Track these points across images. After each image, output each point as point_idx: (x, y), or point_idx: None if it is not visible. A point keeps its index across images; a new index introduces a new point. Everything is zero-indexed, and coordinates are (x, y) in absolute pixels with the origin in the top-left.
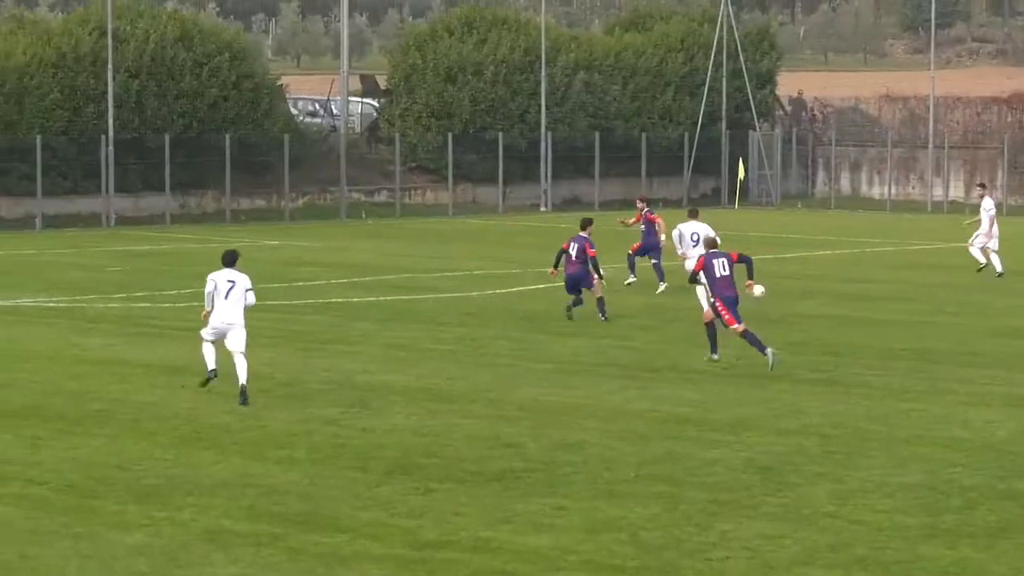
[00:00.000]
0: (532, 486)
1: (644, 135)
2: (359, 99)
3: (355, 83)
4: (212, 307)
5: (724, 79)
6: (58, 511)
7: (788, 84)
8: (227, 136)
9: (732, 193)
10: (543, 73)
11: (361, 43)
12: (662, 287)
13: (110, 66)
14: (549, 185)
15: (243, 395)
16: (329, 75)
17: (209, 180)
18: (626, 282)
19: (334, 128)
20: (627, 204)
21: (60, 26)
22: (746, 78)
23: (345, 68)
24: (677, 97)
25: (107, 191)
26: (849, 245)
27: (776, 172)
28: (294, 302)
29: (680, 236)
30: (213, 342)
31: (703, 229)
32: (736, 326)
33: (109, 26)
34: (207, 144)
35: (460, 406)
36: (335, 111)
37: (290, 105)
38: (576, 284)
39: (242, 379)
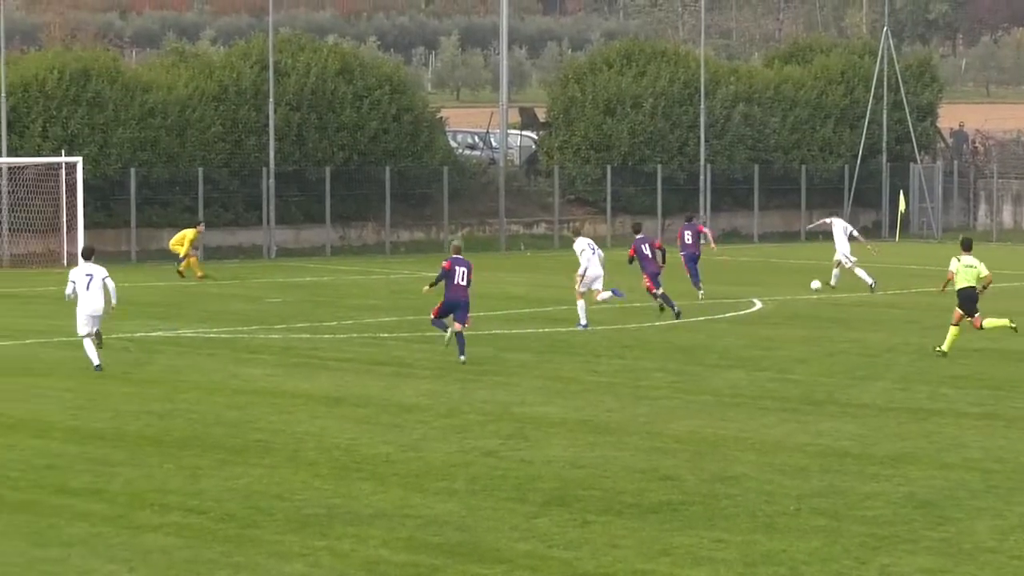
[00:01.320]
0: (690, 519)
1: (804, 167)
2: (518, 132)
3: (514, 116)
4: (77, 301)
5: (885, 111)
6: (218, 540)
7: (949, 116)
8: (387, 168)
9: (893, 226)
10: (702, 105)
11: (520, 76)
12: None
13: (271, 99)
14: (708, 217)
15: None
16: (488, 108)
17: (369, 212)
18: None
19: (493, 160)
20: (787, 236)
21: (222, 60)
22: (907, 110)
23: (504, 101)
24: (837, 129)
25: (268, 223)
26: (1011, 279)
27: (937, 205)
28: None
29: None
30: (90, 335)
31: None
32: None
33: (271, 59)
34: (367, 176)
35: (618, 438)
36: (494, 143)
37: (449, 138)
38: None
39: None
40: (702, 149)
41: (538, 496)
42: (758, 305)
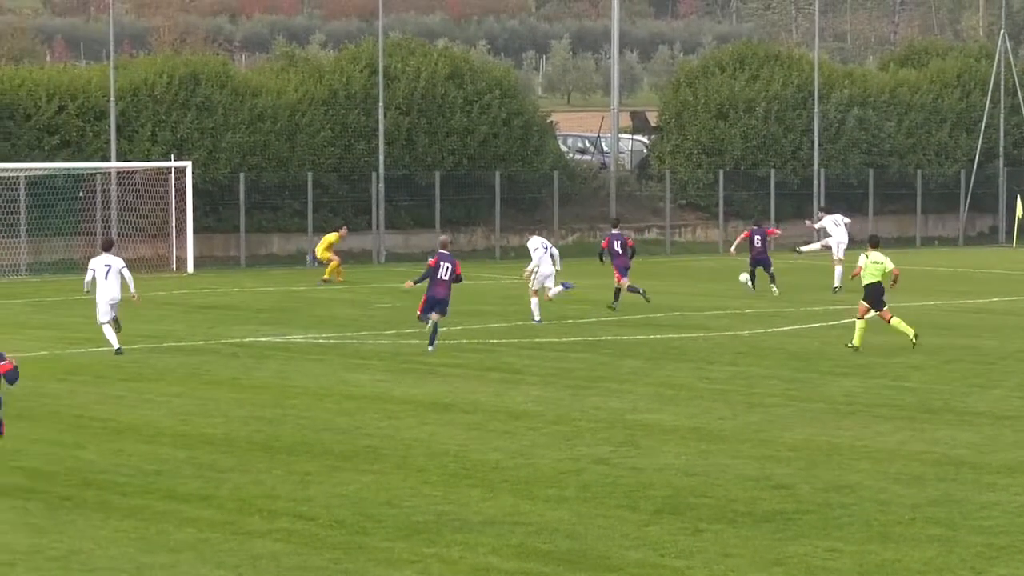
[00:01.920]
0: (804, 528)
1: (919, 172)
2: (629, 136)
3: (625, 120)
4: (93, 290)
5: (1002, 115)
6: (327, 547)
7: None
8: (496, 173)
9: (1010, 231)
10: (816, 109)
11: (631, 80)
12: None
13: (381, 103)
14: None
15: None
16: (599, 112)
17: (479, 217)
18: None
19: (604, 165)
20: (901, 242)
21: (332, 64)
22: None
23: (615, 105)
24: (953, 134)
25: (378, 228)
26: None
27: None
28: (563, 340)
29: None
30: (109, 322)
31: None
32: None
33: (380, 64)
34: (477, 181)
35: (730, 446)
36: (605, 148)
37: (560, 142)
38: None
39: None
40: (816, 153)
41: (649, 504)
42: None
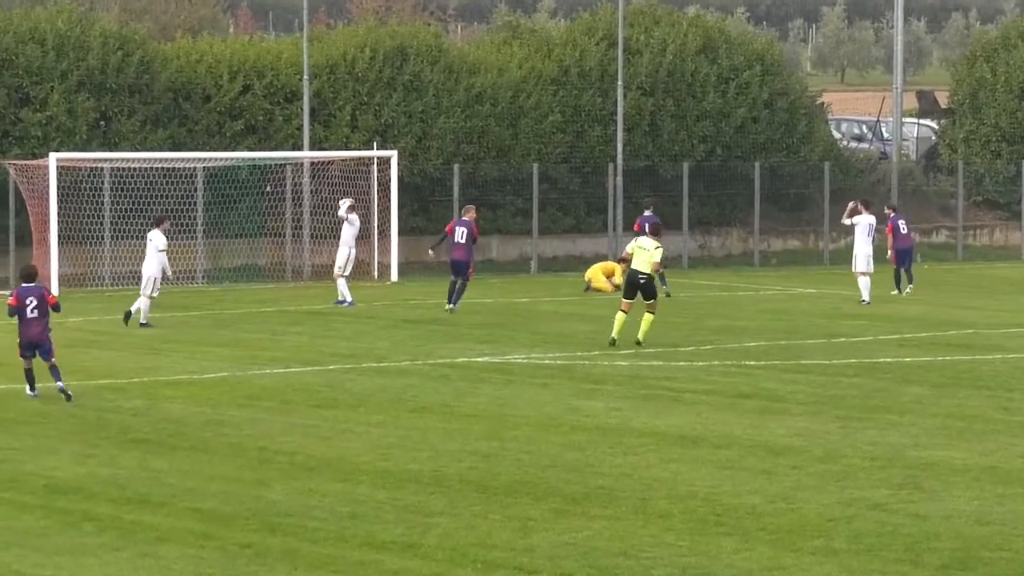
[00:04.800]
0: None
1: None
2: (915, 120)
3: (910, 101)
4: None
5: None
6: None
7: None
8: (756, 164)
9: None
10: None
11: (918, 53)
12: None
13: (620, 82)
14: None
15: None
16: (879, 91)
17: (735, 216)
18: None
19: (884, 155)
20: None
21: (562, 36)
22: None
23: (899, 83)
24: None
25: (614, 228)
26: None
27: None
28: (833, 361)
29: None
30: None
31: None
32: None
33: (620, 36)
34: (733, 174)
35: None
36: (886, 134)
37: (832, 127)
38: None
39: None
40: None
41: (935, 558)
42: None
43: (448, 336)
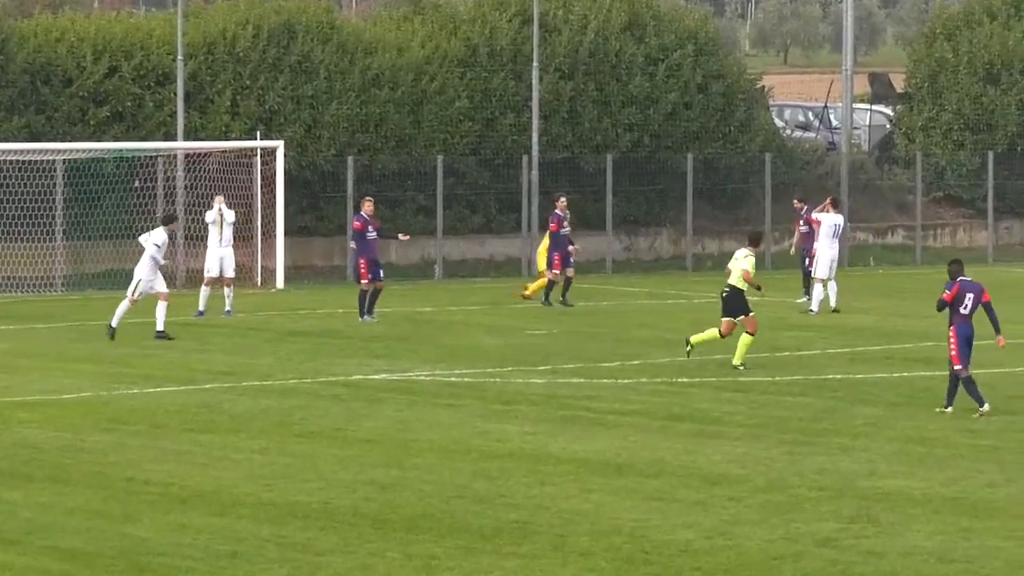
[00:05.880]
0: None
1: None
2: (867, 106)
3: (862, 84)
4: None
5: None
6: None
7: None
8: (689, 156)
9: None
10: None
11: (871, 31)
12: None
13: (535, 63)
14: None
15: None
16: (827, 74)
17: (664, 215)
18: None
19: (832, 145)
20: None
21: (470, 11)
22: None
23: (848, 64)
24: None
25: (528, 228)
26: None
27: None
28: (777, 379)
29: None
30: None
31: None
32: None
33: (535, 11)
34: (662, 167)
35: (1002, 523)
36: (834, 122)
37: (774, 115)
38: None
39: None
40: None
41: None
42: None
43: (341, 351)
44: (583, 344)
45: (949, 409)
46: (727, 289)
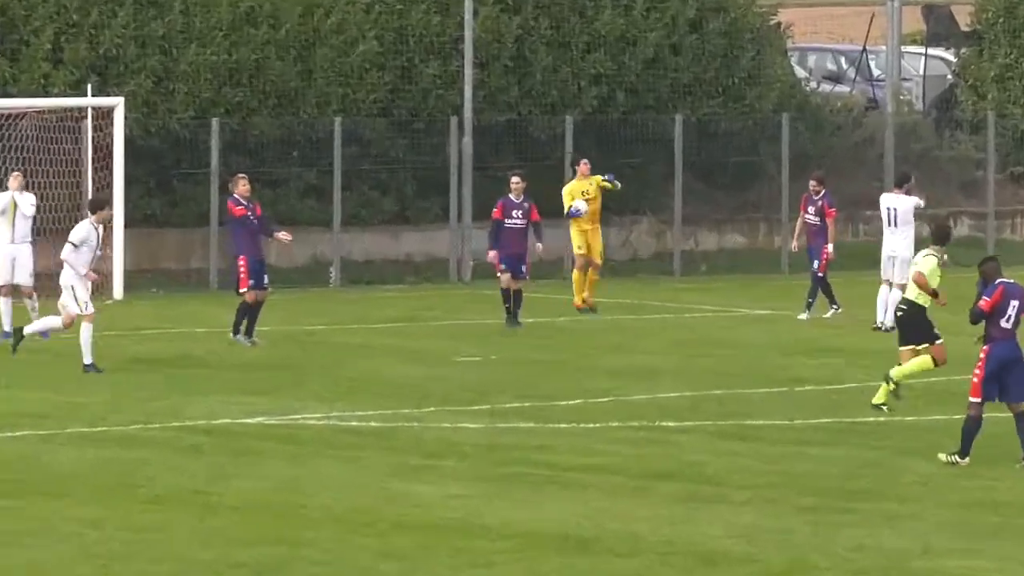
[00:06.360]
0: None
1: None
2: (920, 50)
3: (914, 20)
4: None
5: None
6: None
7: None
8: (677, 119)
9: None
10: None
11: None
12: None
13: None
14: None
15: None
16: (866, 8)
17: (644, 197)
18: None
19: (873, 102)
20: None
21: None
22: None
23: None
24: None
25: (459, 217)
26: None
27: None
28: (796, 422)
29: None
30: None
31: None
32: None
33: None
34: (641, 133)
35: None
36: (875, 71)
37: (794, 62)
38: None
39: None
40: None
41: None
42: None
43: (202, 385)
44: (533, 375)
45: None
46: (904, 307)
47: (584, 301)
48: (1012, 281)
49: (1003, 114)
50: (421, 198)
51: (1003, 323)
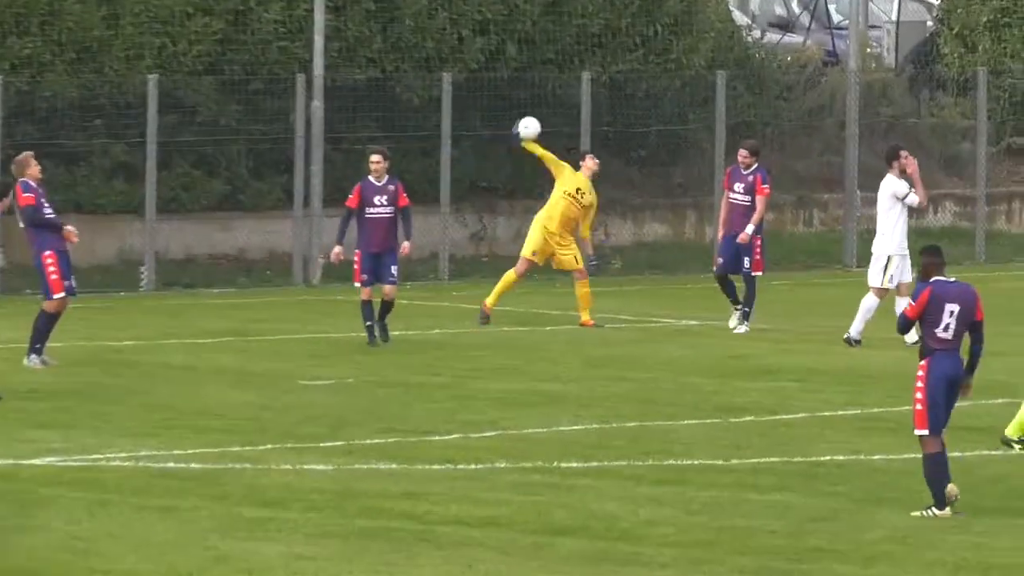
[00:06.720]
0: None
1: None
2: None
3: None
4: None
5: None
6: None
7: None
8: (584, 76)
9: None
10: None
11: None
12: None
13: None
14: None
15: None
16: None
17: (540, 179)
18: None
19: (833, 56)
20: None
21: None
22: None
23: None
24: None
25: (306, 202)
26: None
27: None
28: (732, 461)
29: None
30: None
31: None
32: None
33: None
34: (539, 94)
35: None
36: (835, 17)
37: (732, 5)
38: None
39: None
40: None
41: None
42: None
43: None
44: (399, 403)
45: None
46: None
47: (489, 306)
48: (952, 280)
49: (997, 71)
50: (258, 178)
51: (939, 333)
